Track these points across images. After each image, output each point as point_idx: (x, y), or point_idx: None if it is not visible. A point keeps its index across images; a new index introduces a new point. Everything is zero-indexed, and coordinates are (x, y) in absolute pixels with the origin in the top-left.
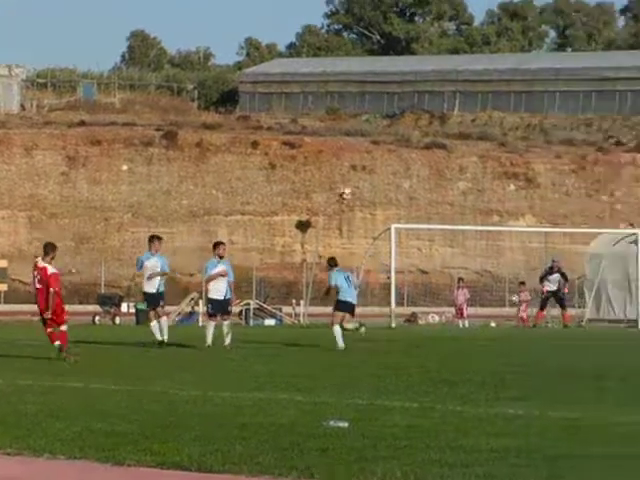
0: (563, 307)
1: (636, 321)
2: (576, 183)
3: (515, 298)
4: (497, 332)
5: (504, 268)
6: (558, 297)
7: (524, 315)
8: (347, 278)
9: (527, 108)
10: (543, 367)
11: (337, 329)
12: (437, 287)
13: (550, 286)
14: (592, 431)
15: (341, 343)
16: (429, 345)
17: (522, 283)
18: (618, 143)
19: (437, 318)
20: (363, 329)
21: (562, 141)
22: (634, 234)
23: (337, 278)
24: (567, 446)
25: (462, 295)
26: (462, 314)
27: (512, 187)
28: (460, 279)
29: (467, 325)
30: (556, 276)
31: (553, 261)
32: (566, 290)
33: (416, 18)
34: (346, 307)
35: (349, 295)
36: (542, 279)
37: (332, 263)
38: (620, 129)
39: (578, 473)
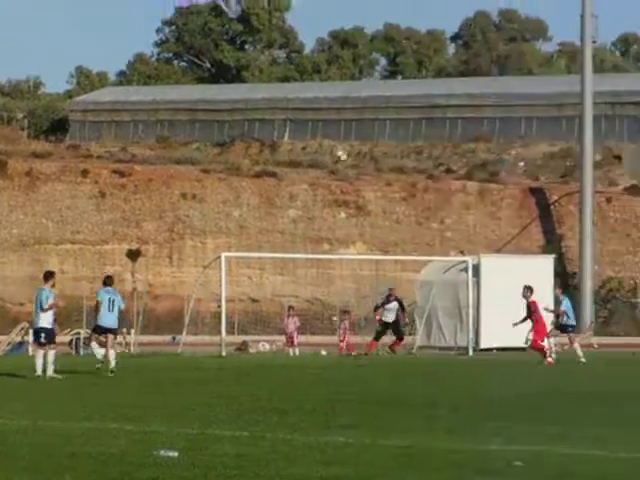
0: (400, 337)
1: (467, 348)
2: (406, 211)
3: (341, 324)
4: (327, 360)
5: (334, 296)
6: (396, 327)
7: (342, 345)
8: (111, 300)
9: (357, 136)
10: (374, 395)
11: (93, 345)
12: (268, 315)
13: (387, 316)
14: (423, 459)
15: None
16: (260, 373)
17: (346, 312)
18: (448, 170)
19: (268, 346)
20: (100, 365)
21: (392, 169)
22: (464, 261)
23: (102, 296)
24: (397, 474)
25: (292, 323)
26: (292, 342)
27: (342, 215)
28: (290, 307)
29: (297, 353)
30: (394, 305)
31: (390, 289)
32: (405, 319)
33: (246, 46)
34: (102, 330)
35: (107, 318)
36: (377, 308)
37: (106, 282)
38: (450, 156)
39: None
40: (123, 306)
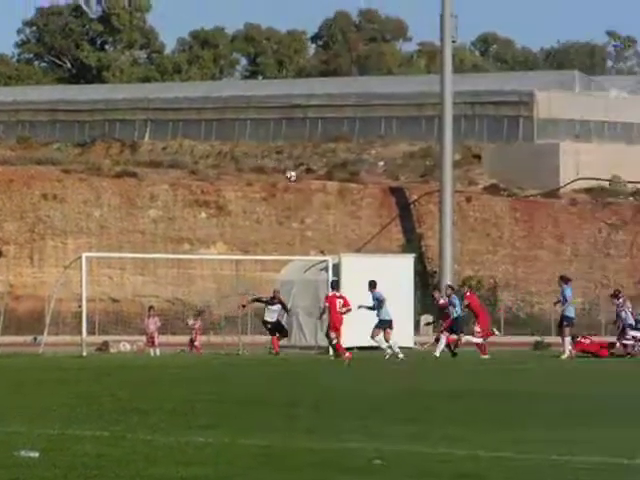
0: (284, 335)
1: (327, 348)
2: (267, 211)
3: (191, 323)
4: (188, 360)
5: (195, 296)
6: (280, 327)
7: (198, 344)
8: None
9: (218, 136)
10: (234, 395)
11: None
12: (128, 315)
13: (270, 316)
14: (283, 458)
15: None
16: (120, 374)
17: (200, 312)
18: (308, 170)
19: (129, 346)
20: None
21: (253, 169)
22: (324, 261)
23: None
24: (257, 474)
25: (153, 323)
26: (153, 342)
27: (203, 215)
28: (151, 307)
29: (158, 353)
30: (277, 307)
31: (275, 291)
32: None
33: (107, 47)
34: None
35: None
36: (259, 301)
37: None
38: (310, 156)
39: None
40: None
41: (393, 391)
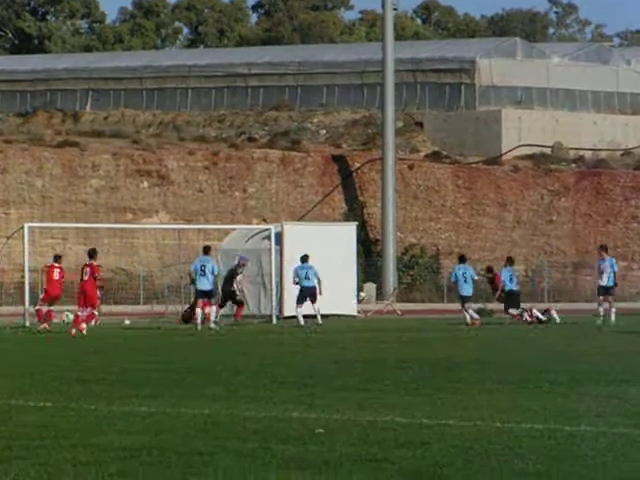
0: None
1: (270, 316)
2: (209, 180)
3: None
4: (131, 330)
5: (138, 265)
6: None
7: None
8: None
9: (160, 105)
10: (177, 364)
11: None
12: (72, 286)
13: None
14: (225, 427)
15: None
16: (63, 344)
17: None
18: (250, 139)
19: (71, 316)
20: None
21: (195, 138)
22: (267, 229)
23: None
24: (199, 443)
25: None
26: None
27: (145, 184)
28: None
29: (100, 323)
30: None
31: (242, 258)
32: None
33: (48, 17)
34: None
35: None
36: (232, 278)
37: None
38: (252, 125)
39: (212, 469)
40: None
41: (337, 359)
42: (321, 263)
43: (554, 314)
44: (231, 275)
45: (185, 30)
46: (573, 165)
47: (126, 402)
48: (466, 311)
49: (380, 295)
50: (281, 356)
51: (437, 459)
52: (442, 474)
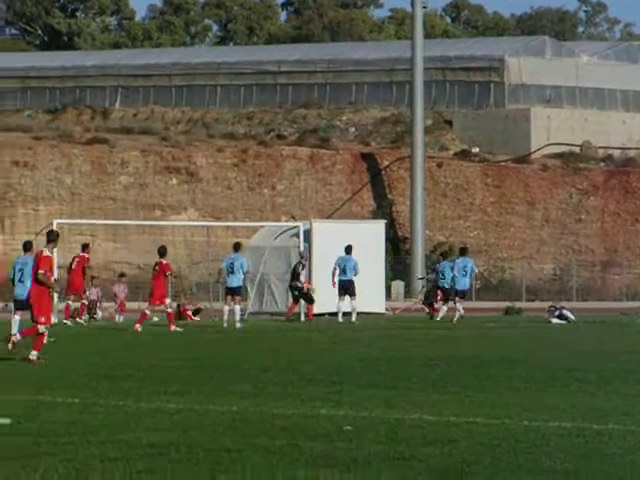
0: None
1: (299, 314)
2: (238, 177)
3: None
4: (159, 327)
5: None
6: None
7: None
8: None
9: (188, 102)
10: (205, 361)
11: None
12: (101, 282)
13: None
14: (253, 424)
15: None
16: (91, 340)
17: (122, 275)
18: (279, 136)
19: (100, 313)
20: None
21: (224, 135)
22: (296, 227)
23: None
24: (227, 440)
25: (122, 291)
26: (123, 309)
27: (174, 181)
28: (122, 274)
29: (122, 320)
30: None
31: (302, 253)
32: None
33: (78, 13)
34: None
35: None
36: (297, 274)
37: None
38: (281, 122)
39: (240, 467)
40: None
41: (365, 357)
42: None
43: (568, 313)
44: (294, 271)
45: (214, 27)
46: (602, 164)
47: (154, 399)
48: (453, 304)
49: (408, 293)
50: (309, 353)
51: (465, 457)
52: (469, 472)
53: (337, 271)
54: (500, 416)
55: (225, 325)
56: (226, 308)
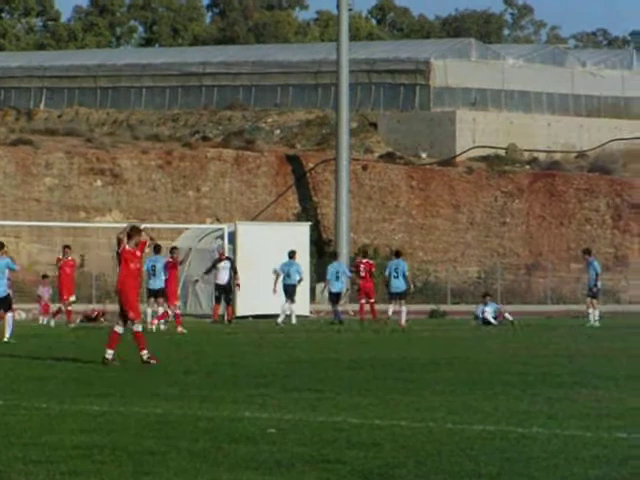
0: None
1: (223, 316)
2: (162, 179)
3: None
4: (83, 329)
5: (91, 264)
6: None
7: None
8: None
9: (113, 104)
10: (130, 364)
11: None
12: (24, 284)
13: (221, 277)
14: (176, 426)
15: None
16: (15, 342)
17: (44, 276)
18: (204, 138)
19: (24, 315)
20: None
21: (148, 137)
22: (220, 229)
23: None
24: (151, 442)
25: (46, 292)
26: (47, 310)
27: (99, 183)
28: (45, 276)
29: (52, 323)
30: (226, 263)
31: (220, 250)
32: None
33: (3, 14)
34: None
35: None
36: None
37: None
38: (206, 124)
39: (163, 469)
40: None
41: (289, 360)
42: (273, 263)
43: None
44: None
45: (140, 29)
46: (527, 167)
47: (78, 401)
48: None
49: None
50: (233, 356)
51: (389, 460)
52: (394, 475)
53: (281, 276)
54: (424, 419)
55: (152, 328)
56: (149, 311)
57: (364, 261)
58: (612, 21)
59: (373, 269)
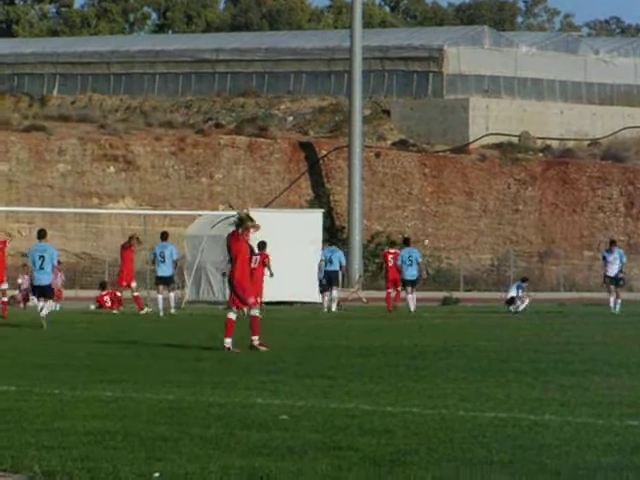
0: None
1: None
2: (175, 165)
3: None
4: (96, 315)
5: (104, 250)
6: None
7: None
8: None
9: (126, 90)
10: (141, 349)
11: None
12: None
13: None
14: (189, 412)
15: None
16: (29, 328)
17: (58, 262)
18: (217, 125)
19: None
20: None
21: (162, 123)
22: (233, 216)
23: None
24: (163, 428)
25: (59, 278)
26: (59, 297)
27: (112, 169)
28: (58, 262)
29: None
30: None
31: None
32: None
33: (16, 0)
34: None
35: None
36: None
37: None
38: (219, 111)
39: (176, 455)
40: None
41: (303, 346)
42: (287, 250)
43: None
44: None
45: (153, 15)
46: (540, 154)
47: (90, 387)
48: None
49: (346, 283)
50: (245, 343)
51: (400, 447)
52: (405, 462)
53: (322, 263)
54: (436, 406)
55: (161, 314)
56: (160, 297)
57: (392, 251)
58: (625, 9)
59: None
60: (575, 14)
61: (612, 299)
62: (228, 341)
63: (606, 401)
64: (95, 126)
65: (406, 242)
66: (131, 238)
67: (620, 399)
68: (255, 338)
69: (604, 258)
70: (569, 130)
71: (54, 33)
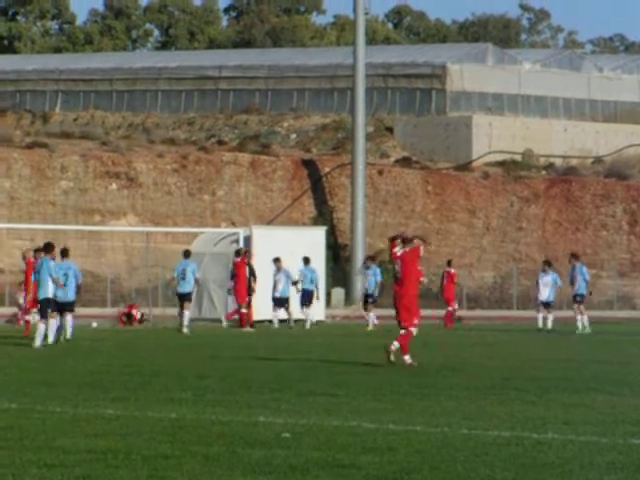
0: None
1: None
2: (178, 182)
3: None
4: (98, 333)
5: (105, 268)
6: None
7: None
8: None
9: (129, 107)
10: (144, 367)
11: None
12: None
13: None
14: (191, 431)
15: None
16: (29, 346)
17: (21, 284)
18: (220, 142)
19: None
20: None
21: (164, 140)
22: (235, 233)
23: None
24: (165, 446)
25: None
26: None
27: (114, 186)
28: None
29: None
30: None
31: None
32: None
33: (18, 17)
34: None
35: None
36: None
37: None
38: (222, 128)
39: (178, 473)
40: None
41: (304, 364)
42: (289, 267)
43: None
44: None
45: (156, 32)
46: (543, 172)
47: (92, 405)
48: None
49: (348, 300)
50: (248, 360)
51: (403, 465)
52: None
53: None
54: (439, 424)
55: (185, 331)
56: (186, 313)
57: (451, 271)
58: (629, 26)
59: (455, 279)
60: (579, 31)
61: (541, 317)
62: (407, 357)
63: (609, 419)
64: (97, 143)
65: None
66: (240, 252)
67: (623, 418)
68: (406, 357)
69: (537, 281)
70: (573, 148)
71: (57, 50)
